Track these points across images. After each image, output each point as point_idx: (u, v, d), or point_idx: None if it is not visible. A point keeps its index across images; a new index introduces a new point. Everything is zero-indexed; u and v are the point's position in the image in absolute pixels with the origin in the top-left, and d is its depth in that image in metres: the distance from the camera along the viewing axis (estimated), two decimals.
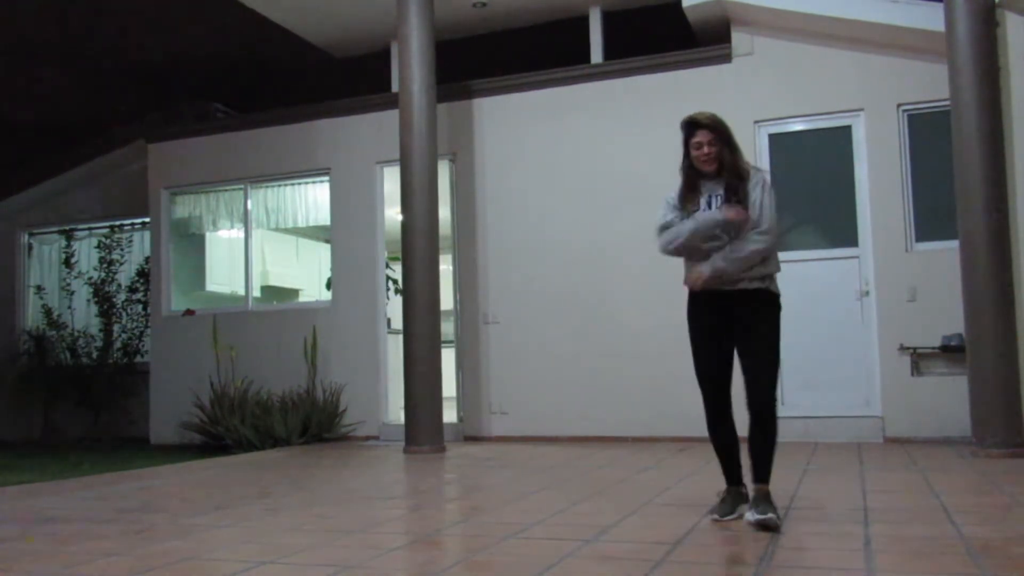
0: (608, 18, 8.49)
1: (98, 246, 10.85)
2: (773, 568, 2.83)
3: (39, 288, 11.21)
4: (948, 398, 6.91)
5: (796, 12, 7.41)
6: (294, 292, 10.91)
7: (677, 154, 8.54)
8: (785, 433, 7.40)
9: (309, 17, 8.86)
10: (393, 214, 8.50)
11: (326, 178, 9.18)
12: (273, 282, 10.42)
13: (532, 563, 3.00)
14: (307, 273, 11.00)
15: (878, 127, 7.36)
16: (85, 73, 10.97)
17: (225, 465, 6.77)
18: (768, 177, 3.90)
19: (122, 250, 10.76)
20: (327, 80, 10.22)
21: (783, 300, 3.84)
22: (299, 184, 9.40)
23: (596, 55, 8.37)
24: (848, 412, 7.28)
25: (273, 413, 8.26)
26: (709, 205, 3.81)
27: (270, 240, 10.40)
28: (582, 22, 8.52)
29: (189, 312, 9.61)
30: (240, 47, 10.33)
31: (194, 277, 10.03)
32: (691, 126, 3.81)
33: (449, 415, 7.96)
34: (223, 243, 10.08)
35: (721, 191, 3.79)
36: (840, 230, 7.50)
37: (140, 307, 10.53)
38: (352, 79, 9.79)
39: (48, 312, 10.91)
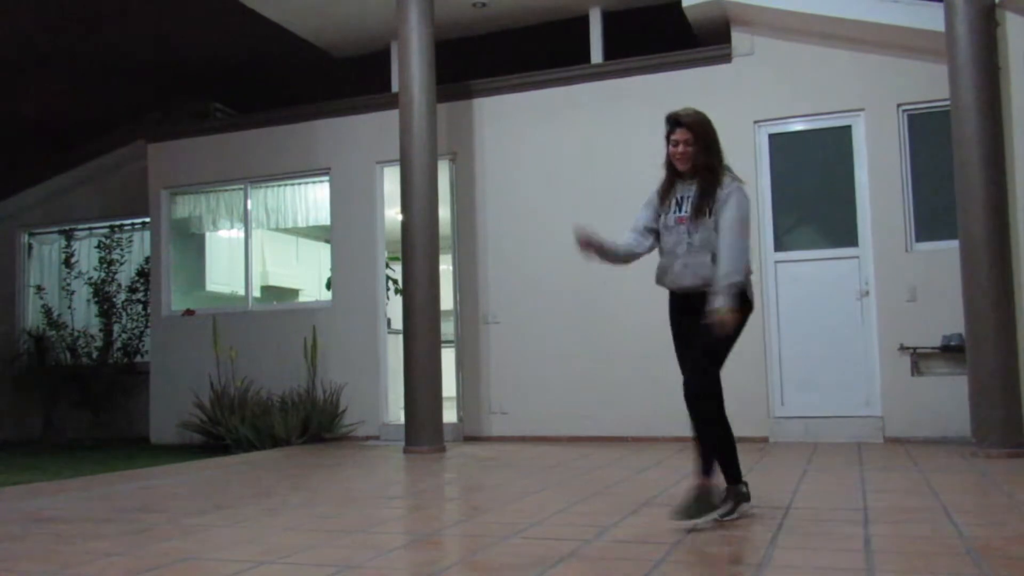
0: (608, 18, 8.49)
1: (98, 246, 10.86)
2: (773, 568, 2.83)
3: (39, 288, 11.22)
4: (948, 398, 6.91)
5: (796, 12, 7.41)
6: (294, 292, 10.91)
7: None
8: (785, 433, 7.44)
9: (309, 17, 8.85)
10: (393, 214, 8.50)
11: (326, 178, 9.18)
12: (273, 282, 10.42)
13: (532, 563, 3.00)
14: (307, 273, 11.00)
15: (878, 127, 7.36)
16: (85, 73, 10.97)
17: (225, 465, 6.77)
18: (743, 189, 3.84)
19: (122, 250, 10.76)
20: (327, 80, 10.22)
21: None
22: (299, 184, 9.40)
23: (596, 55, 8.37)
24: (848, 412, 7.28)
25: (273, 413, 8.26)
26: (679, 207, 3.90)
27: (270, 240, 10.41)
28: (582, 22, 8.52)
29: (189, 312, 9.61)
30: (240, 47, 10.33)
31: (194, 277, 10.03)
32: (672, 122, 3.90)
33: (449, 415, 7.96)
34: (223, 243, 10.08)
35: (691, 194, 3.84)
36: (840, 230, 7.50)
37: (140, 307, 10.53)
38: (352, 79, 9.79)
39: (48, 312, 10.92)
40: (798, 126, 7.68)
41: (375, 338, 8.76)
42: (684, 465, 5.78)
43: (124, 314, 10.59)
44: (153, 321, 9.86)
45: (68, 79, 11.18)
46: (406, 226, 7.54)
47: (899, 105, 7.33)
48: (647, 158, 7.99)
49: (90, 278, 10.77)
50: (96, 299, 10.63)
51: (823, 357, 7.38)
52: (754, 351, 7.50)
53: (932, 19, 6.78)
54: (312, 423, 8.33)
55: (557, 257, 8.14)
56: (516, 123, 8.44)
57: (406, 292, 7.51)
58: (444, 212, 8.28)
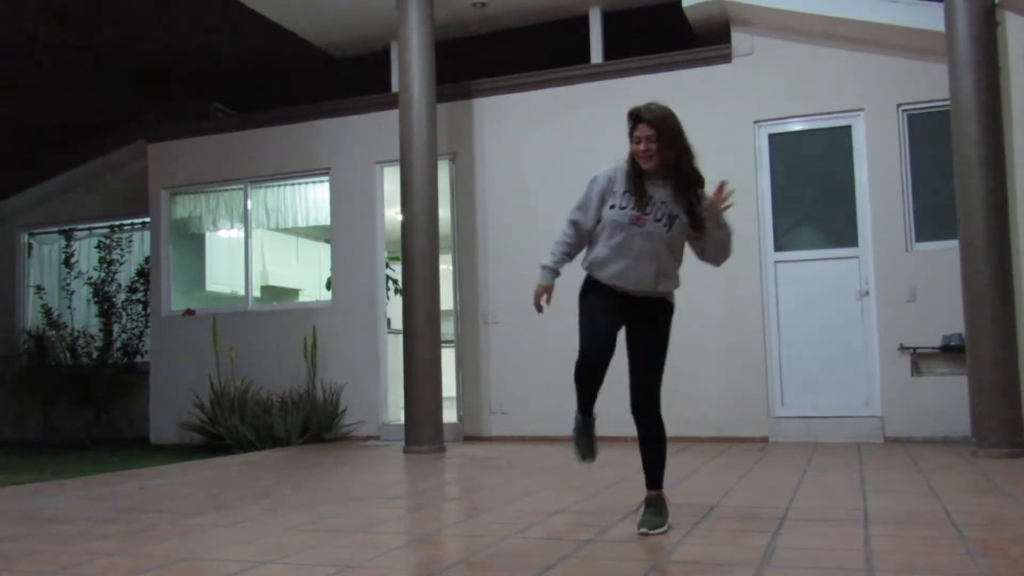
0: (608, 18, 8.49)
1: (98, 246, 10.86)
2: (773, 568, 2.83)
3: (39, 288, 11.21)
4: (948, 398, 6.91)
5: (796, 12, 7.41)
6: (294, 292, 10.91)
7: None
8: (785, 433, 7.44)
9: (309, 17, 8.85)
10: (393, 214, 8.50)
11: (326, 178, 9.18)
12: (273, 282, 10.42)
13: (532, 563, 3.00)
14: (307, 273, 11.00)
15: (878, 127, 7.36)
16: (85, 73, 10.97)
17: (225, 465, 6.77)
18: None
19: (122, 250, 10.76)
20: (327, 80, 10.21)
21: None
22: (299, 184, 9.40)
23: (596, 55, 8.37)
24: (848, 412, 7.28)
25: (273, 413, 8.26)
26: (650, 208, 3.65)
27: (270, 240, 10.41)
28: (582, 22, 8.52)
29: (189, 312, 9.61)
30: (240, 47, 10.33)
31: (194, 277, 10.03)
32: (634, 118, 3.62)
33: (449, 415, 7.96)
34: (223, 243, 10.08)
35: (664, 196, 3.65)
36: (840, 230, 7.50)
37: (140, 307, 10.53)
38: (352, 79, 9.79)
39: (48, 312, 10.91)
40: (798, 126, 7.68)
41: (375, 338, 8.75)
42: (684, 465, 5.79)
43: (124, 314, 10.59)
44: (153, 321, 9.85)
45: (68, 79, 11.18)
46: (406, 226, 7.54)
47: (899, 105, 7.33)
48: None
49: (90, 278, 10.77)
50: (96, 299, 10.63)
51: (823, 357, 7.38)
52: (754, 351, 7.51)
53: (932, 19, 6.78)
54: (312, 423, 8.33)
55: None
56: (516, 123, 8.44)
57: (406, 292, 7.51)
58: (444, 212, 8.28)
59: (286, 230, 10.34)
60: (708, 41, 8.11)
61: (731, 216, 7.92)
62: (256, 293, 9.71)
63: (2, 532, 3.91)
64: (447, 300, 8.28)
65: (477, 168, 8.52)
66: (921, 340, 7.07)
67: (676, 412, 7.62)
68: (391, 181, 8.43)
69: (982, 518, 3.73)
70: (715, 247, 3.76)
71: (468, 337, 8.42)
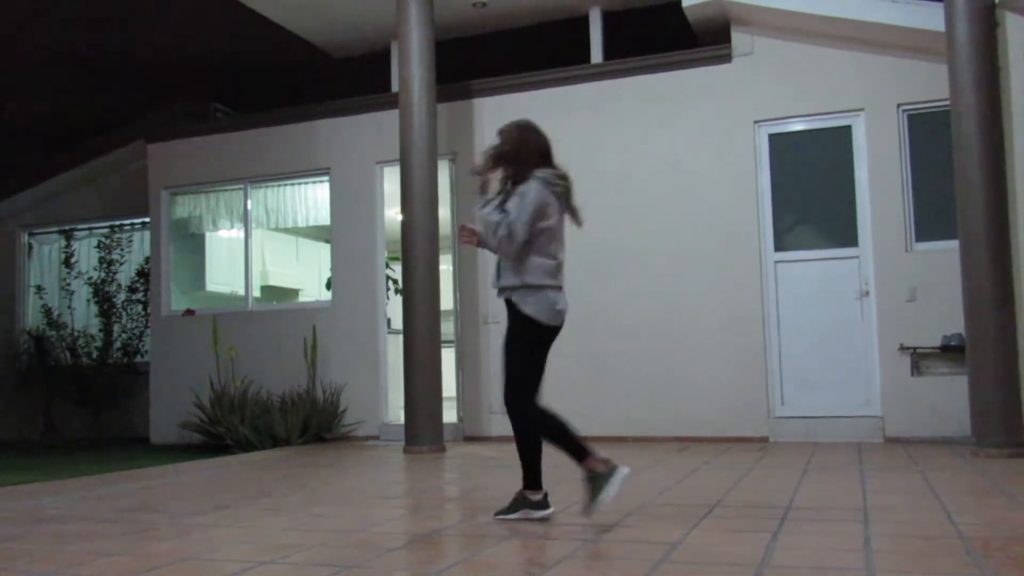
0: (608, 18, 8.49)
1: (98, 246, 10.86)
2: (773, 568, 2.83)
3: (39, 288, 11.22)
4: (948, 398, 6.91)
5: (796, 12, 7.41)
6: (294, 292, 10.91)
7: (677, 154, 8.55)
8: (785, 433, 7.44)
9: (309, 17, 8.86)
10: (393, 214, 8.50)
11: (326, 178, 9.18)
12: (273, 282, 10.42)
13: (532, 563, 3.00)
14: (307, 273, 11.00)
15: (878, 127, 7.36)
16: (85, 73, 10.97)
17: (225, 465, 6.77)
18: (534, 186, 3.75)
19: (122, 250, 10.77)
20: (327, 80, 10.22)
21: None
22: (299, 184, 9.40)
23: (596, 55, 8.37)
24: (848, 412, 7.28)
25: (273, 413, 8.26)
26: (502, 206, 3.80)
27: (270, 240, 10.40)
28: (582, 22, 8.52)
29: (189, 312, 9.61)
30: (240, 47, 10.33)
31: (194, 277, 10.03)
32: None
33: (449, 415, 7.96)
34: (223, 243, 10.08)
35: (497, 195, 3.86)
36: (840, 230, 7.50)
37: (140, 307, 10.53)
38: (352, 79, 9.79)
39: (48, 312, 10.92)
40: (798, 126, 7.68)
41: (375, 338, 8.75)
42: (684, 465, 5.79)
43: (124, 314, 10.59)
44: (153, 321, 9.86)
45: (68, 79, 11.18)
46: (406, 226, 7.53)
47: (899, 105, 7.33)
48: (647, 158, 8.03)
49: (90, 278, 10.77)
50: (96, 299, 10.63)
51: (823, 357, 7.38)
52: (754, 351, 7.51)
53: (932, 19, 6.78)
54: (312, 423, 8.33)
55: None
56: None
57: (406, 292, 7.51)
58: (444, 212, 8.28)
59: (286, 230, 10.33)
60: (708, 41, 8.11)
61: (731, 216, 7.92)
62: (256, 293, 9.71)
63: (2, 532, 3.91)
64: (447, 300, 8.28)
65: None
66: (921, 340, 7.07)
67: (676, 412, 7.67)
68: (391, 181, 8.43)
69: (982, 518, 3.72)
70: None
71: (468, 337, 8.42)
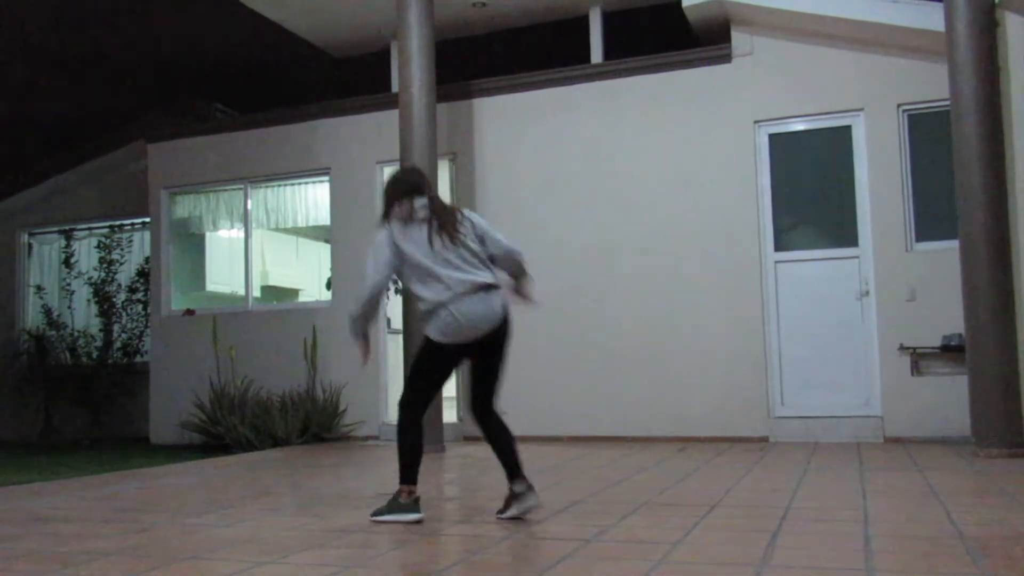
0: (608, 18, 8.49)
1: (98, 246, 10.86)
2: (773, 568, 2.83)
3: (39, 288, 11.22)
4: (948, 398, 6.91)
5: (796, 12, 7.41)
6: (294, 292, 10.91)
7: (676, 154, 8.53)
8: (785, 433, 7.44)
9: (309, 17, 8.86)
10: None
11: (326, 178, 9.18)
12: (273, 282, 10.41)
13: (532, 563, 3.00)
14: (307, 273, 11.00)
15: (878, 127, 7.36)
16: (85, 73, 10.97)
17: (225, 465, 6.77)
18: (380, 233, 4.07)
19: (122, 250, 10.77)
20: (327, 80, 10.22)
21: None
22: (299, 184, 9.40)
23: (596, 55, 8.37)
24: (848, 412, 7.28)
25: (273, 413, 8.26)
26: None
27: (270, 240, 10.40)
28: (582, 22, 8.52)
29: (189, 312, 9.61)
30: (240, 47, 10.33)
31: (194, 277, 10.03)
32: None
33: (449, 415, 7.96)
34: (223, 243, 10.08)
35: None
36: (840, 230, 7.50)
37: (140, 307, 10.53)
38: (352, 79, 9.79)
39: (48, 312, 10.92)
40: (798, 126, 7.68)
41: (375, 338, 8.73)
42: (684, 465, 5.79)
43: (124, 314, 10.59)
44: (153, 321, 9.85)
45: (68, 79, 11.18)
46: None
47: (899, 105, 7.33)
48: (647, 158, 8.03)
49: (90, 278, 10.77)
50: (96, 299, 10.63)
51: (823, 357, 7.38)
52: (754, 351, 7.51)
53: (932, 19, 6.78)
54: (312, 423, 8.33)
55: (557, 257, 8.15)
56: (516, 123, 8.44)
57: (406, 292, 7.50)
58: None
59: (286, 230, 10.33)
60: (708, 41, 8.11)
61: (731, 216, 7.91)
62: (256, 293, 9.71)
63: (2, 532, 3.91)
64: None
65: (477, 168, 8.52)
66: (921, 340, 7.07)
67: (676, 412, 7.67)
68: None
69: (982, 518, 3.72)
70: None
71: None
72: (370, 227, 8.84)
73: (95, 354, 10.51)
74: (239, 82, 11.02)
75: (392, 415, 8.69)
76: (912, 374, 7.11)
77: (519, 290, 4.35)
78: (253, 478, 5.91)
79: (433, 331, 3.95)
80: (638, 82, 8.08)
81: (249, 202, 9.53)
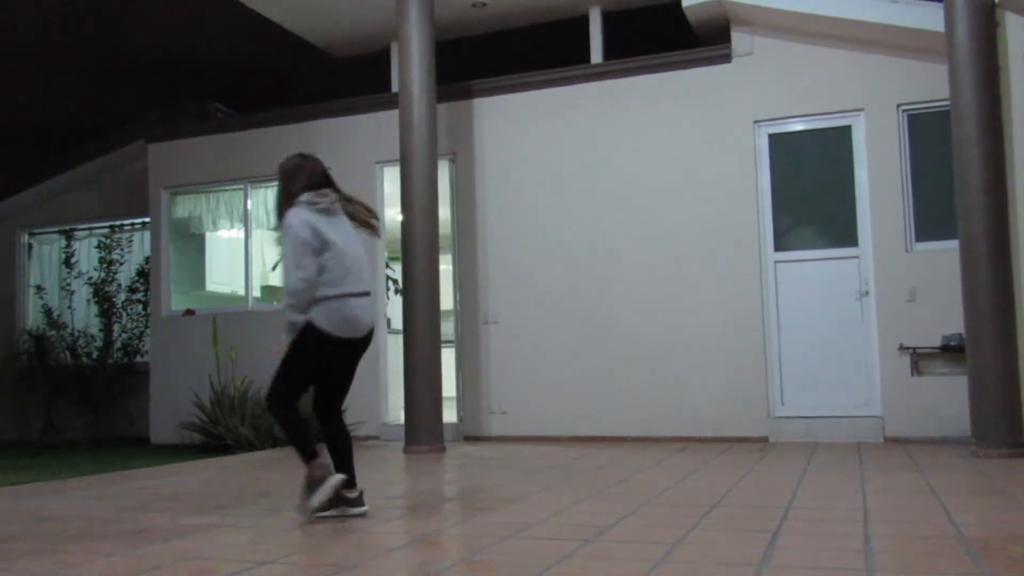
0: (608, 18, 8.49)
1: (98, 246, 10.86)
2: (773, 568, 2.83)
3: (39, 288, 11.22)
4: (948, 398, 6.91)
5: (796, 12, 7.41)
6: None
7: (676, 154, 8.54)
8: (785, 433, 7.44)
9: (309, 17, 8.86)
10: (393, 214, 8.50)
11: None
12: (273, 282, 10.40)
13: (532, 563, 3.00)
14: None
15: (878, 127, 7.36)
16: (85, 73, 10.97)
17: (225, 465, 6.77)
18: (293, 222, 3.95)
19: (122, 250, 10.77)
20: (327, 80, 10.21)
21: None
22: None
23: (596, 55, 8.37)
24: (848, 412, 7.28)
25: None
26: None
27: (270, 240, 10.39)
28: (582, 22, 8.52)
29: (189, 312, 9.61)
30: (240, 47, 10.33)
31: (194, 277, 10.03)
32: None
33: (449, 415, 7.96)
34: (223, 243, 10.08)
35: None
36: (840, 230, 7.50)
37: (140, 307, 10.54)
38: (352, 79, 9.79)
39: (48, 312, 10.92)
40: (798, 126, 7.68)
41: (375, 338, 8.73)
42: (684, 465, 5.79)
43: (124, 314, 10.60)
44: (153, 321, 9.86)
45: (68, 79, 11.18)
46: (406, 226, 7.54)
47: (899, 105, 7.33)
48: (647, 158, 8.03)
49: (90, 278, 10.77)
50: (96, 299, 10.63)
51: (823, 357, 7.38)
52: (754, 351, 7.51)
53: (932, 19, 6.78)
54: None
55: (557, 257, 8.15)
56: (516, 123, 8.44)
57: (406, 292, 7.51)
58: (444, 212, 8.28)
59: None
60: (708, 41, 8.11)
61: (731, 216, 7.93)
62: (256, 293, 9.71)
63: (2, 532, 3.91)
64: (447, 300, 8.28)
65: (477, 168, 8.52)
66: (921, 340, 7.07)
67: (676, 412, 7.67)
68: (391, 181, 8.43)
69: (982, 518, 3.72)
70: None
71: (468, 337, 8.42)
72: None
73: (95, 354, 10.51)
74: (239, 82, 11.02)
75: (392, 415, 8.70)
76: (912, 374, 7.11)
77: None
78: (253, 478, 5.91)
79: (326, 322, 4.02)
80: (638, 82, 8.08)
81: (249, 202, 9.53)
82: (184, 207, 9.99)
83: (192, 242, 10.05)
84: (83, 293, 10.86)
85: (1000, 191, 6.09)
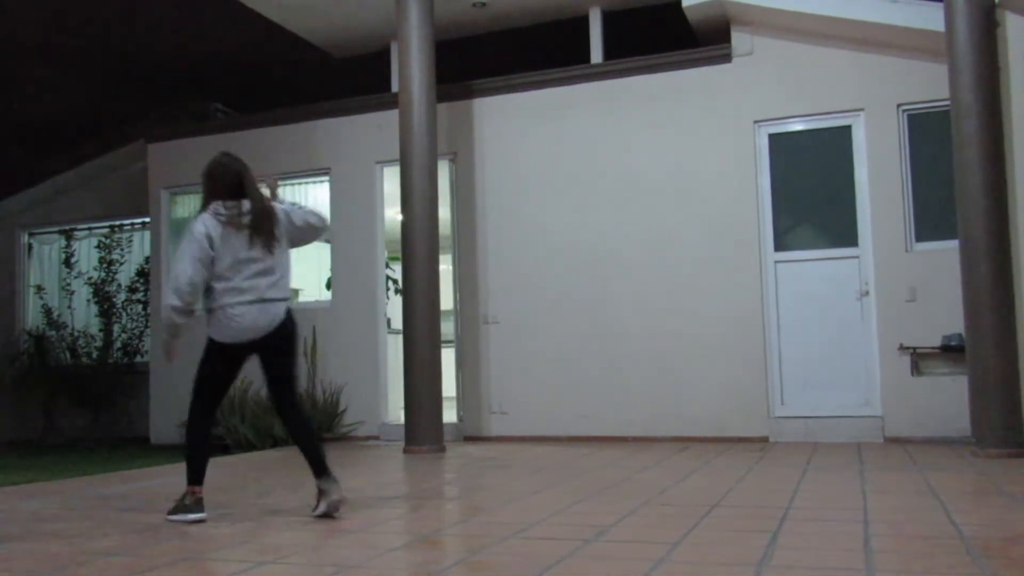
0: (608, 18, 8.49)
1: (98, 246, 10.86)
2: (773, 568, 2.83)
3: (39, 288, 11.22)
4: (948, 398, 6.91)
5: (796, 12, 7.41)
6: (294, 292, 10.90)
7: (676, 154, 8.54)
8: (785, 433, 7.44)
9: (309, 17, 8.85)
10: (393, 214, 8.50)
11: (326, 178, 9.18)
12: None
13: (532, 563, 3.00)
14: (307, 273, 10.98)
15: (878, 127, 7.36)
16: (85, 73, 10.97)
17: (225, 465, 6.77)
18: (195, 228, 4.03)
19: (122, 250, 10.77)
20: (327, 80, 10.21)
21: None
22: (299, 184, 9.40)
23: (596, 55, 8.37)
24: (848, 412, 7.28)
25: (273, 413, 8.24)
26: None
27: None
28: (582, 22, 8.52)
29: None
30: (240, 47, 10.33)
31: None
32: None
33: (449, 415, 7.96)
34: None
35: None
36: (840, 230, 7.50)
37: (140, 307, 10.53)
38: (352, 79, 9.79)
39: (48, 312, 10.92)
40: (798, 126, 7.68)
41: (375, 338, 8.75)
42: (684, 465, 5.79)
43: (124, 314, 10.59)
44: (153, 321, 9.85)
45: (68, 79, 11.18)
46: (406, 226, 7.54)
47: (899, 105, 7.33)
48: (647, 158, 8.03)
49: (90, 278, 10.77)
50: (96, 299, 10.63)
51: (823, 357, 7.38)
52: (754, 351, 7.51)
53: (932, 19, 6.78)
54: (312, 423, 8.31)
55: (557, 257, 8.15)
56: (516, 123, 8.44)
57: (406, 292, 7.51)
58: (444, 212, 8.28)
59: None
60: (708, 41, 8.11)
61: (731, 216, 7.93)
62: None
63: (2, 532, 3.91)
64: (447, 300, 8.28)
65: (477, 168, 8.52)
66: (921, 340, 7.07)
67: (676, 412, 7.67)
68: (391, 181, 8.43)
69: (982, 518, 3.73)
70: None
71: (468, 337, 8.42)
72: (370, 227, 8.90)
73: (95, 354, 10.51)
74: (239, 82, 11.02)
75: (392, 415, 8.70)
76: (912, 374, 7.11)
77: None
78: (253, 478, 5.91)
79: (216, 332, 4.11)
80: (638, 82, 8.09)
81: None
82: (184, 207, 9.99)
83: None
84: (83, 293, 10.86)
85: (1000, 191, 6.09)
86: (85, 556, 3.30)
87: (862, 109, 7.42)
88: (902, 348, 7.12)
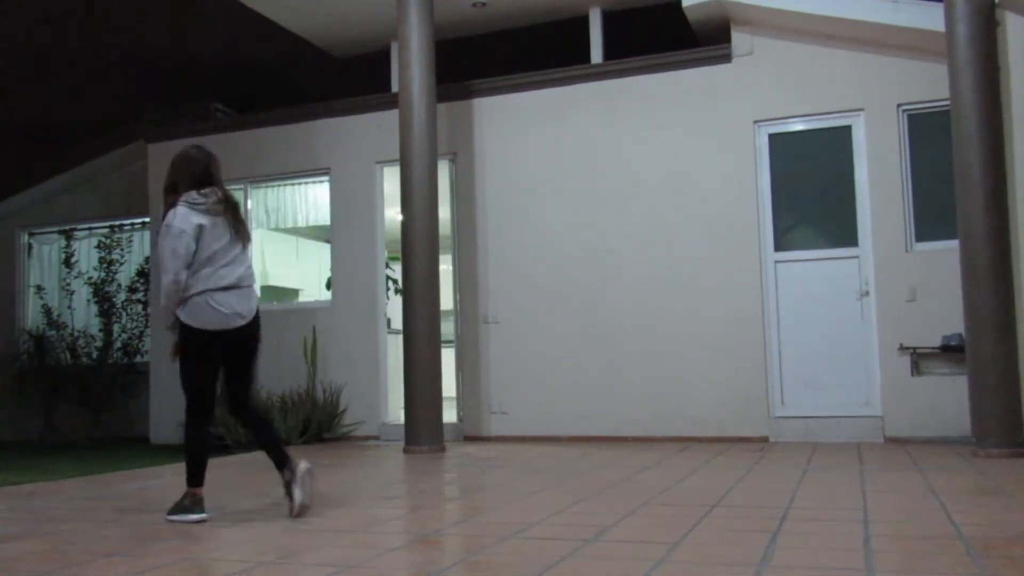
0: (608, 18, 8.49)
1: (98, 246, 10.86)
2: (773, 568, 2.83)
3: (39, 288, 11.22)
4: (948, 398, 6.91)
5: (796, 12, 7.41)
6: (294, 292, 10.91)
7: (676, 154, 8.54)
8: (785, 433, 7.44)
9: (309, 17, 8.86)
10: (393, 214, 8.50)
11: (326, 178, 9.18)
12: (273, 282, 10.41)
13: (532, 563, 3.00)
14: (307, 273, 10.99)
15: (878, 127, 7.36)
16: (85, 73, 10.97)
17: (225, 465, 6.77)
18: (173, 223, 4.05)
19: (122, 250, 10.77)
20: (327, 80, 10.21)
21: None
22: (299, 184, 9.40)
23: (596, 55, 8.37)
24: (848, 412, 7.28)
25: (273, 413, 8.26)
26: None
27: (270, 240, 10.40)
28: (582, 22, 8.52)
29: None
30: (240, 47, 10.33)
31: None
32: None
33: (449, 415, 7.96)
34: None
35: None
36: (840, 230, 7.50)
37: (140, 307, 10.53)
38: (352, 79, 9.79)
39: (48, 312, 10.92)
40: (798, 126, 7.68)
41: (375, 338, 8.75)
42: (684, 465, 5.79)
43: (124, 314, 10.59)
44: (153, 321, 9.85)
45: (68, 79, 11.18)
46: (406, 226, 7.54)
47: (899, 105, 7.33)
48: (647, 158, 8.03)
49: (90, 278, 10.77)
50: (96, 299, 10.63)
51: (823, 357, 7.38)
52: (754, 351, 7.51)
53: (932, 19, 6.78)
54: (312, 423, 8.33)
55: (557, 257, 8.15)
56: (516, 123, 8.44)
57: (406, 292, 7.51)
58: (444, 212, 8.28)
59: (286, 230, 10.32)
60: (708, 41, 8.11)
61: (731, 216, 7.92)
62: (256, 293, 9.70)
63: (2, 532, 3.91)
64: (447, 300, 8.28)
65: (477, 168, 8.53)
66: (921, 340, 7.07)
67: (676, 412, 7.67)
68: (391, 181, 8.43)
69: (982, 518, 3.72)
70: None
71: (468, 337, 8.42)
72: (370, 227, 8.90)
73: (95, 354, 10.51)
74: (239, 82, 11.02)
75: (392, 415, 8.70)
76: (912, 374, 7.11)
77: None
78: (253, 478, 5.91)
79: (197, 320, 4.17)
80: (638, 82, 8.09)
81: (249, 202, 9.52)
82: None
83: None
84: (83, 293, 10.86)
85: (1000, 191, 6.09)
86: (85, 556, 3.30)
87: (862, 109, 7.42)
88: (902, 348, 7.12)
